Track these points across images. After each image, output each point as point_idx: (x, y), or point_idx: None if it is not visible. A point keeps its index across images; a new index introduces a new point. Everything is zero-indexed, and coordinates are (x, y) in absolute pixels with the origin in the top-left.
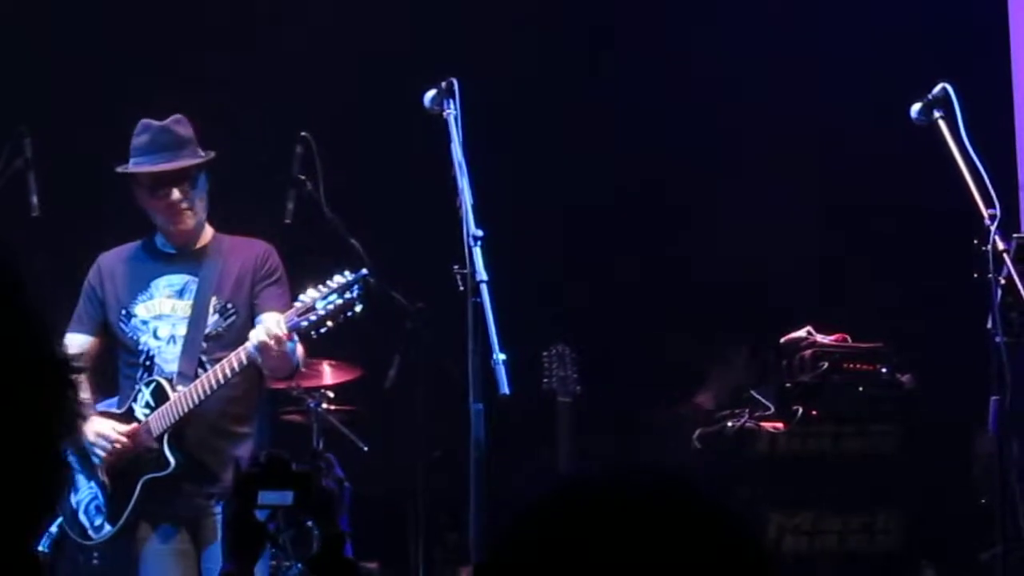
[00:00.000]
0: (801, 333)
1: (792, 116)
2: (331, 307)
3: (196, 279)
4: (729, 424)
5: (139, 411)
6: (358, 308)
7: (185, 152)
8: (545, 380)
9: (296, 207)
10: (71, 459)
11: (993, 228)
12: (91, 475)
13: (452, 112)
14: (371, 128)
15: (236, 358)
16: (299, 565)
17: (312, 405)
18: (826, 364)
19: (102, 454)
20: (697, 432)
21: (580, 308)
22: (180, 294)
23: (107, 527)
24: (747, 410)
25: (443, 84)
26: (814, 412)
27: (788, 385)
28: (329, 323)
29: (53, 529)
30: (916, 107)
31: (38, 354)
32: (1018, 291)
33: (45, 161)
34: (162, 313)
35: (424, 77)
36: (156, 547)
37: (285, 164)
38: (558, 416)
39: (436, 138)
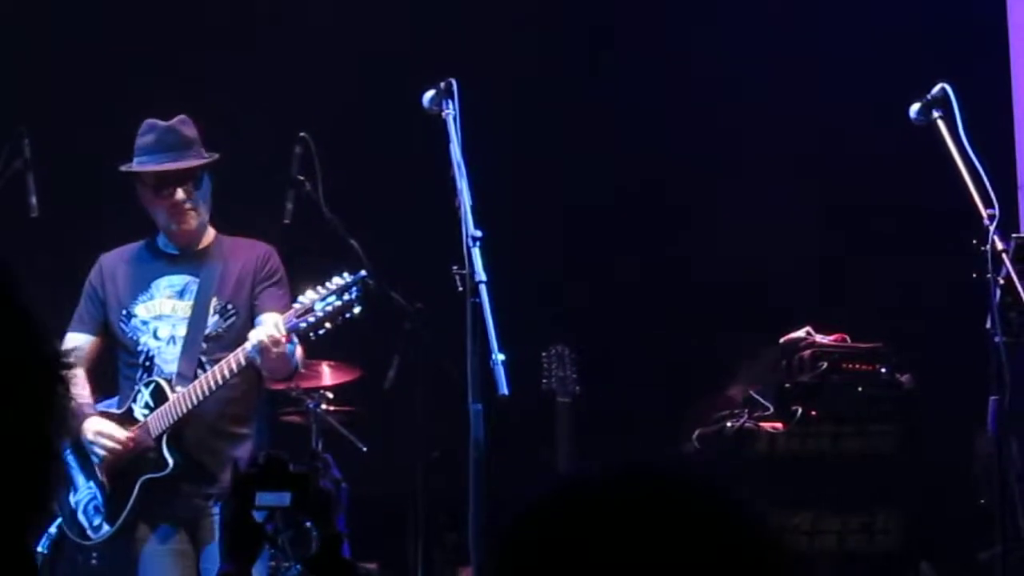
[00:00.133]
0: (800, 333)
1: (792, 116)
2: (330, 309)
3: (197, 280)
4: (728, 424)
5: (138, 412)
6: (357, 310)
7: (190, 153)
8: (544, 380)
9: (295, 208)
10: (70, 459)
11: (992, 228)
12: (90, 475)
13: (451, 112)
14: (370, 128)
15: (235, 359)
16: (298, 566)
17: (311, 406)
18: (825, 364)
19: (101, 454)
20: (696, 432)
21: (579, 308)
22: (181, 295)
23: (106, 527)
24: (746, 410)
25: (442, 84)
26: (813, 412)
27: (787, 385)
28: (328, 325)
29: (52, 530)
30: (915, 107)
31: (28, 350)
32: (1017, 291)
33: (44, 162)
34: (162, 313)
35: (423, 77)
36: (155, 547)
37: (284, 165)
38: (557, 416)
39: (435, 138)
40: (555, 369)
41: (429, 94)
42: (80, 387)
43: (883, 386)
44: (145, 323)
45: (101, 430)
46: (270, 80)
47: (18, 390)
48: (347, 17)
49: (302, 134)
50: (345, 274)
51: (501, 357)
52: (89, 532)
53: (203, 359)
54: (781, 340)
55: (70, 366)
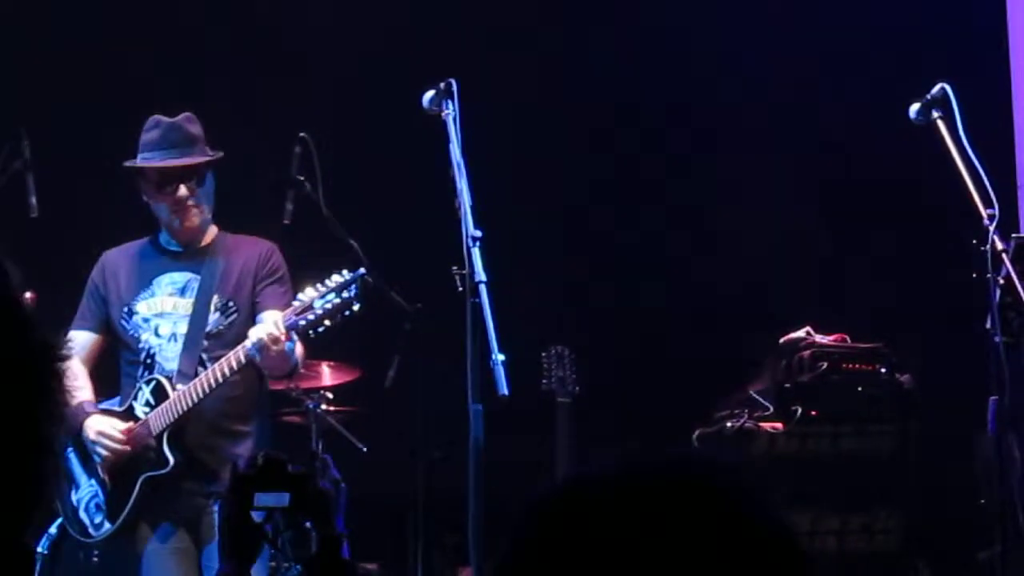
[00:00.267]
0: (800, 333)
1: (792, 116)
2: (329, 306)
3: (198, 277)
4: (728, 424)
5: (139, 409)
6: (356, 307)
7: (194, 150)
8: (544, 381)
9: (295, 208)
10: (72, 457)
11: (992, 228)
12: (92, 473)
13: (451, 113)
14: (370, 129)
15: (235, 357)
16: (298, 566)
17: (311, 406)
18: (825, 364)
19: (103, 452)
20: (696, 432)
21: (579, 309)
22: (182, 292)
23: (107, 525)
24: (746, 410)
25: (442, 85)
26: (813, 412)
27: (787, 385)
28: (327, 322)
29: (52, 530)
30: (915, 107)
31: (17, 342)
32: (1017, 291)
33: (44, 162)
34: (163, 311)
35: (423, 78)
36: (156, 546)
37: (284, 165)
38: (557, 417)
39: (435, 139)
40: (555, 369)
41: (429, 94)
42: (81, 384)
43: (883, 386)
44: (146, 320)
45: (102, 428)
46: (269, 81)
47: (7, 382)
48: (347, 17)
49: (302, 134)
50: (344, 271)
51: (501, 357)
52: (90, 530)
53: (204, 357)
54: (781, 340)
55: (63, 358)
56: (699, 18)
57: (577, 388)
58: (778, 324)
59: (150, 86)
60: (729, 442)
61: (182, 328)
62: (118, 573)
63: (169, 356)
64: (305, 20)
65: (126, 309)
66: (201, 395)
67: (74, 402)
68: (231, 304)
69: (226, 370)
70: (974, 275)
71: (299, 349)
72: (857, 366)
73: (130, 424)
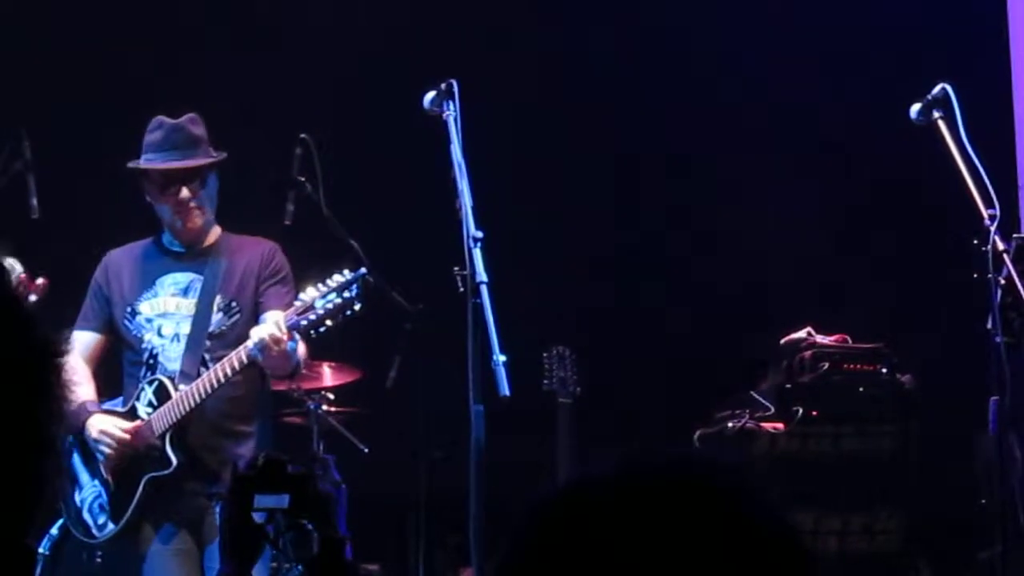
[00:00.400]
0: (801, 334)
1: (793, 116)
2: (330, 306)
3: (201, 277)
4: (729, 424)
5: (142, 410)
6: (357, 307)
7: (198, 151)
8: (545, 381)
9: (295, 209)
10: (75, 457)
11: (993, 228)
12: (95, 473)
13: (451, 113)
14: (371, 130)
15: (236, 357)
16: (299, 567)
17: (312, 407)
18: (826, 364)
19: (106, 451)
20: (697, 432)
21: (580, 309)
22: (185, 292)
23: (110, 525)
24: (747, 411)
25: (443, 86)
26: (814, 412)
27: (788, 386)
28: (328, 322)
29: (54, 531)
30: (916, 107)
31: (20, 341)
32: (1018, 291)
33: (45, 163)
34: (166, 311)
35: (424, 78)
36: (158, 547)
37: (284, 166)
38: (558, 417)
39: (436, 139)
40: (556, 370)
41: (430, 95)
42: (83, 384)
43: (884, 386)
44: (149, 320)
45: (105, 427)
46: (269, 81)
47: (7, 382)
48: (348, 18)
49: (303, 135)
50: (346, 271)
51: (502, 358)
52: (94, 531)
53: (207, 357)
54: (782, 341)
55: (62, 353)
56: (699, 18)
57: (578, 389)
58: (779, 324)
59: (151, 86)
60: (730, 442)
61: (185, 328)
62: (121, 574)
63: (172, 356)
64: (305, 21)
65: (129, 309)
66: (203, 395)
67: (76, 402)
68: (234, 304)
69: (228, 370)
70: (975, 275)
71: (301, 349)
72: (858, 366)
73: (136, 424)
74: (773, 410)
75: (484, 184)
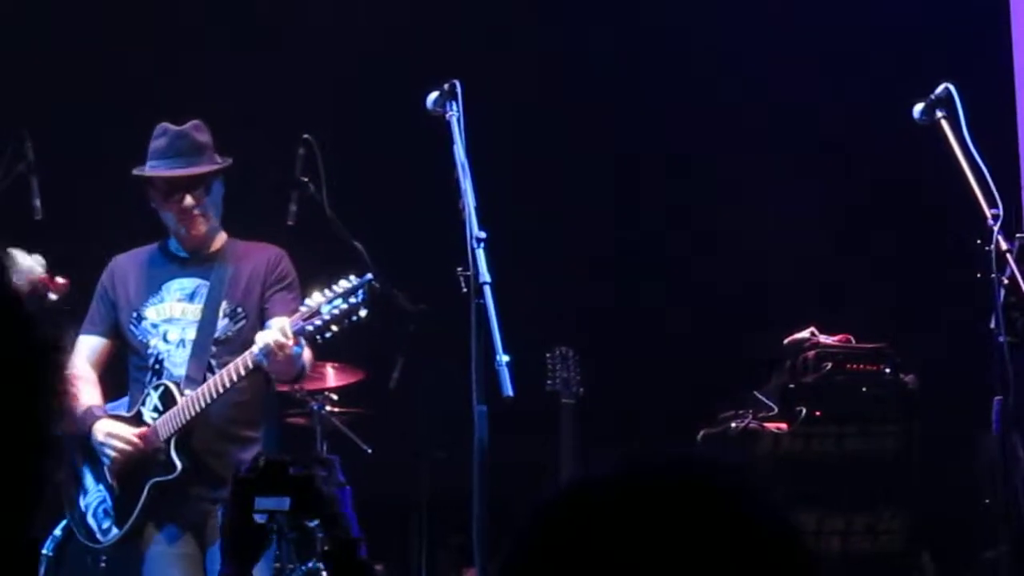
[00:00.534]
0: (804, 334)
1: (795, 116)
2: (336, 312)
3: (207, 283)
4: (733, 425)
5: (147, 415)
6: (362, 313)
7: (202, 159)
8: (548, 382)
9: (299, 209)
10: (80, 462)
11: (996, 228)
12: (100, 478)
13: (454, 114)
14: (374, 130)
15: (242, 362)
16: (302, 568)
17: (316, 408)
18: (829, 364)
19: (111, 454)
20: (701, 433)
21: (583, 310)
22: (191, 298)
23: (114, 530)
24: (751, 411)
25: (445, 86)
26: (817, 412)
27: (791, 386)
28: (334, 328)
29: (57, 532)
30: (919, 107)
31: (20, 340)
32: (1021, 291)
33: (48, 164)
34: (172, 317)
35: (426, 78)
36: (161, 550)
37: (287, 166)
38: (561, 418)
39: (438, 140)
40: (559, 370)
41: (432, 96)
42: (89, 389)
43: (887, 386)
44: (155, 326)
45: (111, 432)
46: (272, 82)
47: (6, 381)
48: (350, 18)
49: (306, 136)
50: (352, 277)
51: (505, 358)
52: (98, 535)
53: (213, 362)
54: (785, 341)
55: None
56: (700, 17)
57: (581, 389)
58: (781, 325)
59: (152, 87)
60: (733, 442)
61: (191, 334)
62: None
63: (177, 362)
64: (307, 21)
65: (135, 314)
66: (208, 400)
67: (82, 406)
68: (240, 310)
69: (233, 375)
70: (978, 275)
71: (307, 354)
72: (861, 366)
73: (141, 429)
74: (776, 410)
75: (487, 185)
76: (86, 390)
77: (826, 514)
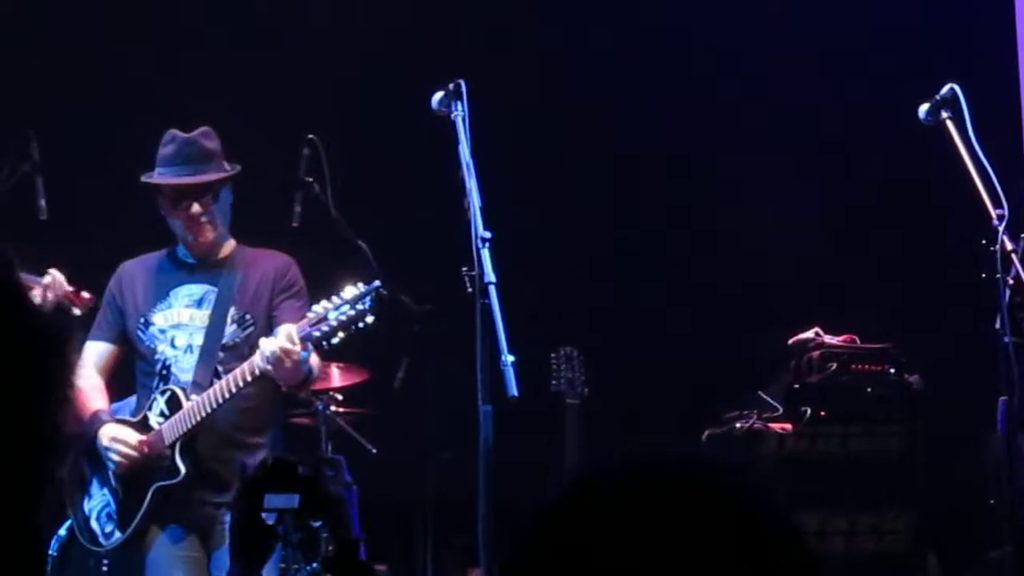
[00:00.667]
0: (809, 334)
1: (800, 116)
2: (343, 318)
3: (215, 289)
4: (737, 425)
5: (153, 420)
6: (369, 319)
7: (211, 166)
8: (553, 382)
9: (303, 210)
10: (85, 466)
11: (1001, 228)
12: (104, 482)
13: (460, 114)
14: (378, 130)
15: (249, 367)
16: (307, 568)
17: (320, 408)
18: (834, 365)
19: (116, 458)
20: (706, 433)
21: (588, 310)
22: (199, 304)
23: (117, 534)
24: (755, 411)
25: (450, 86)
26: (822, 413)
27: (796, 386)
28: (341, 334)
29: (62, 532)
30: (924, 107)
31: (20, 331)
32: None
33: (53, 164)
34: (180, 322)
35: (430, 78)
36: (165, 552)
37: (292, 167)
38: (566, 418)
39: (444, 140)
40: (564, 371)
41: (438, 95)
42: (96, 395)
43: (892, 387)
44: (163, 331)
45: (116, 436)
46: (276, 82)
47: (7, 372)
48: (355, 18)
49: (310, 136)
50: (360, 284)
51: (510, 358)
52: (101, 539)
53: (220, 369)
54: (790, 341)
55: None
56: (702, 17)
57: (586, 389)
58: (787, 325)
59: (157, 88)
60: (738, 443)
61: (198, 340)
62: None
63: (184, 367)
64: (311, 21)
65: (143, 320)
66: (214, 406)
67: (89, 411)
68: (248, 317)
69: (240, 381)
70: (983, 275)
71: (314, 359)
72: (866, 367)
73: (148, 435)
74: (781, 410)
75: (492, 185)
76: (93, 396)
77: (831, 514)
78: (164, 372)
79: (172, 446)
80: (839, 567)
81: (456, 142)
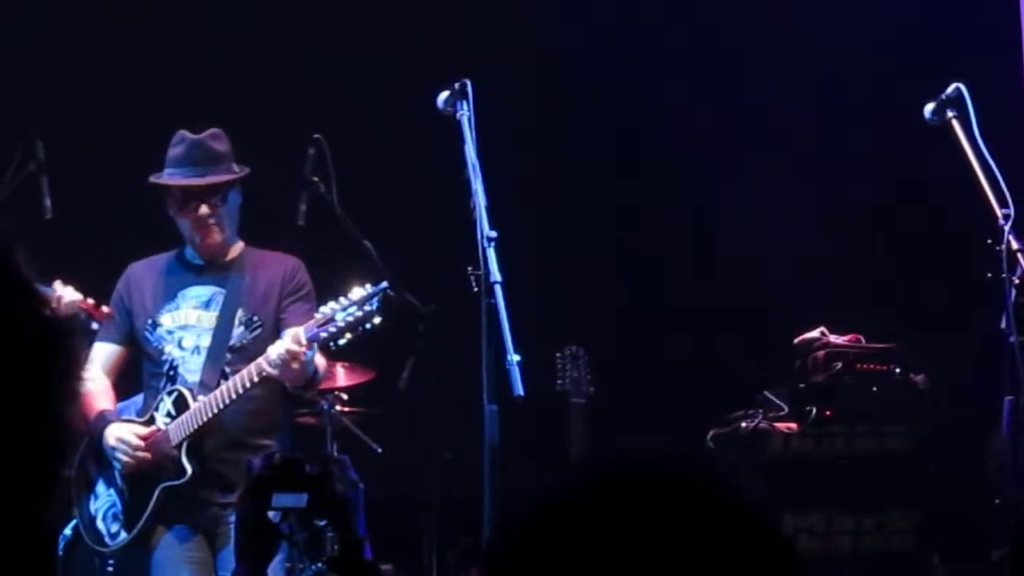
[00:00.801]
0: (815, 333)
1: (804, 116)
2: (350, 319)
3: (223, 291)
4: (743, 425)
5: (160, 420)
6: (376, 320)
7: (219, 168)
8: (559, 381)
9: (308, 209)
10: (91, 466)
11: (1007, 228)
12: (110, 482)
13: (465, 113)
14: (384, 130)
15: (256, 368)
16: (312, 567)
17: (326, 407)
18: (839, 364)
19: (122, 457)
20: (711, 432)
21: (594, 309)
22: (206, 305)
23: (123, 534)
24: (761, 411)
25: (456, 85)
26: (827, 412)
27: (801, 385)
28: (348, 335)
29: (67, 532)
30: (929, 107)
31: (24, 316)
32: None
33: (58, 164)
34: (187, 324)
35: (436, 77)
36: (171, 553)
37: (297, 166)
38: (571, 417)
39: (449, 139)
40: (569, 370)
41: (443, 95)
42: (103, 396)
43: (897, 386)
44: (170, 333)
45: (122, 436)
46: (282, 81)
47: (14, 354)
48: (361, 17)
49: (316, 136)
50: (367, 285)
51: (516, 358)
52: (107, 539)
53: (227, 370)
54: (795, 340)
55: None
56: (704, 16)
57: (591, 389)
58: (792, 325)
59: (164, 87)
60: (743, 442)
61: (205, 341)
62: None
63: (192, 368)
64: (316, 21)
65: (150, 321)
66: (221, 406)
67: (95, 411)
68: (255, 319)
69: (246, 382)
70: (989, 275)
71: (320, 359)
72: (871, 366)
73: (152, 430)
74: (786, 410)
75: (496, 184)
76: (99, 396)
77: (836, 514)
78: (171, 373)
79: (179, 446)
80: (844, 566)
81: (461, 142)
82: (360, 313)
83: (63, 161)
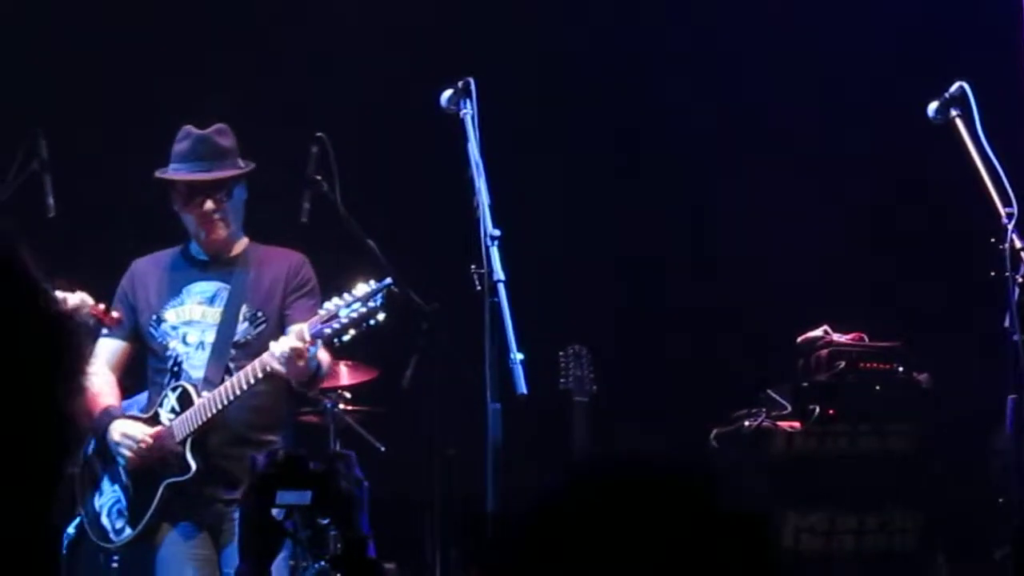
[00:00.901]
0: (818, 332)
1: (807, 116)
2: (354, 315)
3: (228, 287)
4: (746, 424)
5: (164, 416)
6: (380, 317)
7: (225, 163)
8: (562, 380)
9: (312, 207)
10: (96, 462)
11: (1010, 226)
12: (115, 479)
13: (468, 112)
14: (387, 128)
15: (260, 364)
16: (316, 565)
17: (329, 406)
18: (843, 363)
19: (127, 453)
20: (714, 432)
21: (597, 308)
22: (211, 301)
23: (128, 530)
24: (764, 409)
25: (459, 84)
26: (831, 411)
27: (805, 384)
28: (352, 331)
29: (71, 530)
30: (933, 105)
31: (30, 313)
32: None
33: (61, 162)
34: (192, 319)
35: (438, 76)
36: (176, 550)
37: (301, 164)
38: (574, 416)
39: (453, 138)
40: (572, 368)
41: (446, 94)
42: (108, 391)
43: (900, 385)
44: (175, 328)
45: (126, 432)
46: (285, 80)
47: (18, 347)
48: (364, 16)
49: (319, 134)
50: (371, 281)
51: (519, 356)
52: (111, 535)
53: (231, 365)
54: (798, 339)
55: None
56: (706, 16)
57: (595, 387)
58: (795, 323)
59: (167, 85)
60: (746, 441)
61: (210, 337)
62: None
63: (196, 364)
64: (320, 19)
65: (155, 317)
66: (225, 402)
67: (100, 407)
68: (260, 314)
69: (251, 378)
70: (992, 273)
71: (323, 356)
72: (874, 365)
73: (157, 428)
74: (789, 409)
75: (499, 183)
76: (104, 392)
77: (839, 513)
78: (176, 369)
79: (183, 442)
80: (847, 566)
81: (465, 140)
82: (364, 309)
83: (64, 160)
